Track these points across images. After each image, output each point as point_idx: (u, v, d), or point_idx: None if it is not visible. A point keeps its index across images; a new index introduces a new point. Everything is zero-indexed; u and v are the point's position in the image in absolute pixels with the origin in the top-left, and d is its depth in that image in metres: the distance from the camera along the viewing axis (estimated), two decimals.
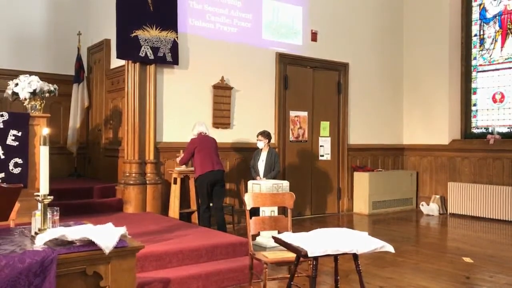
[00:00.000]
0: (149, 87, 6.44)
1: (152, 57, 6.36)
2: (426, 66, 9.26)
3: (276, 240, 2.98)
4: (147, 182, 6.38)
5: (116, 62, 6.90)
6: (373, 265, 4.96)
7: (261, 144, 6.53)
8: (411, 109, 9.53)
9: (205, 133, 6.07)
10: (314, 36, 8.26)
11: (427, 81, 9.24)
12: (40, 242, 2.06)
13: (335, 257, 3.07)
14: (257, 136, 6.59)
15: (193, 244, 4.58)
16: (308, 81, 8.24)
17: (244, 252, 4.67)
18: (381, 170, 9.04)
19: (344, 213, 8.57)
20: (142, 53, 6.30)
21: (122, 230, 2.23)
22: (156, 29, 6.38)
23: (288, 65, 7.94)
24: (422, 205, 8.76)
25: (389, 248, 2.80)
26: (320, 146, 8.41)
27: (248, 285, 3.88)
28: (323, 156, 8.44)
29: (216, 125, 7.04)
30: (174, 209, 6.29)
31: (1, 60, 7.42)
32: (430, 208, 8.61)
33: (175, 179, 6.33)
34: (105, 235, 2.13)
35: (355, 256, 2.92)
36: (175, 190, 6.33)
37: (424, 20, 9.30)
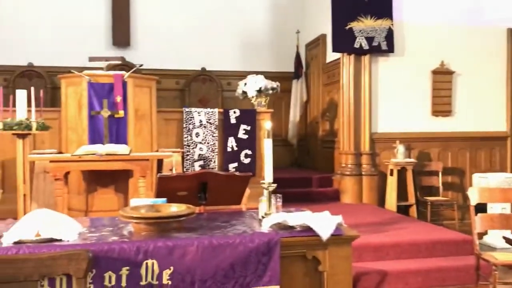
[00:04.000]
0: (363, 77, 6.45)
1: (367, 47, 6.35)
2: None
3: (508, 241, 2.67)
4: (363, 173, 6.41)
5: (331, 56, 7.10)
6: None
7: None
8: None
9: None
10: None
11: None
12: (266, 225, 2.28)
13: None
14: None
15: (411, 238, 4.44)
16: None
17: (467, 251, 4.30)
18: None
19: None
20: (357, 44, 6.34)
21: (339, 218, 2.30)
22: (370, 19, 6.33)
23: None
24: None
25: None
26: None
27: (474, 286, 3.57)
28: None
29: (435, 113, 6.63)
30: (390, 201, 6.17)
31: (234, 62, 8.41)
32: None
33: (392, 171, 6.20)
34: (323, 222, 2.23)
35: None
36: (391, 182, 6.20)
37: None
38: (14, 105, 4.16)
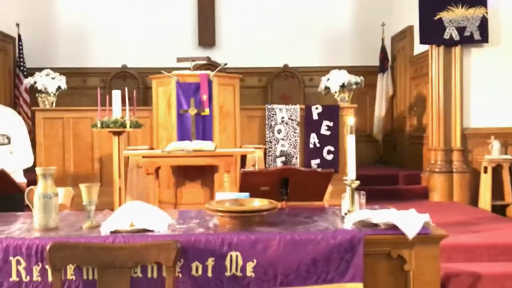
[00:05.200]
0: (454, 69, 6.13)
1: (457, 38, 6.02)
2: None
3: None
4: (454, 170, 6.09)
5: (419, 48, 6.83)
6: None
7: None
8: None
9: None
10: None
11: None
12: (349, 222, 2.26)
13: None
14: None
15: (508, 240, 4.14)
16: None
17: None
18: None
19: None
20: (446, 35, 6.04)
21: (426, 217, 2.22)
22: (462, 8, 6.00)
23: None
24: None
25: None
26: None
27: None
28: None
29: None
30: (484, 200, 5.80)
31: (317, 58, 8.36)
32: None
33: (486, 168, 5.82)
34: (408, 220, 2.17)
35: None
36: (485, 180, 5.83)
37: None
38: (110, 105, 4.47)
